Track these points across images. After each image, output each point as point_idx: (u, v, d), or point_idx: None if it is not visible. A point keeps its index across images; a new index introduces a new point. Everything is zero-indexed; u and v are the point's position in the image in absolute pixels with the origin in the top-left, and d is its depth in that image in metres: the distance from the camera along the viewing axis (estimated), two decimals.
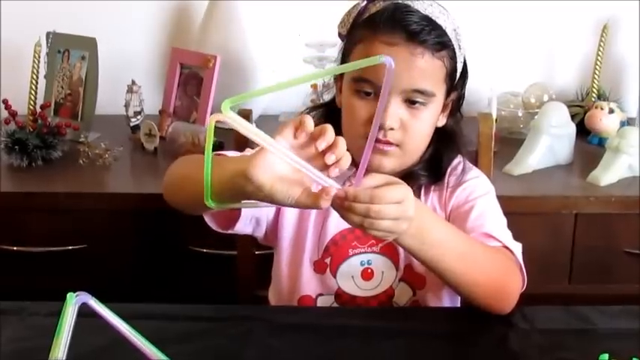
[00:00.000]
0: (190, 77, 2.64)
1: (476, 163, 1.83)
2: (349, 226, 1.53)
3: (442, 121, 1.65)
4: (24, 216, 2.30)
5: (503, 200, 1.70)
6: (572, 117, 2.59)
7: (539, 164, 2.43)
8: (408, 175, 1.58)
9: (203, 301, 1.55)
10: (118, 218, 2.29)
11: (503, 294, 1.50)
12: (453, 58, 1.58)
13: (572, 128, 2.51)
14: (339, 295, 1.66)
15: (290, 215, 1.67)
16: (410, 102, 1.54)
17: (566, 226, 2.30)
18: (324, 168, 1.21)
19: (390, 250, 1.64)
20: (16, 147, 2.40)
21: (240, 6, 2.64)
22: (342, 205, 1.24)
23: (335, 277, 1.66)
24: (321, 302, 1.67)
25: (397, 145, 1.56)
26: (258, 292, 1.88)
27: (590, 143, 2.65)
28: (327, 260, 1.66)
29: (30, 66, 2.63)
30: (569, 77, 2.92)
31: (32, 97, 2.61)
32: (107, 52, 2.63)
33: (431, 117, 1.59)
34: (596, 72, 2.78)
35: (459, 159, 1.70)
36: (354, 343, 1.42)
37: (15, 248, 2.29)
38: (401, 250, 1.63)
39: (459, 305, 1.69)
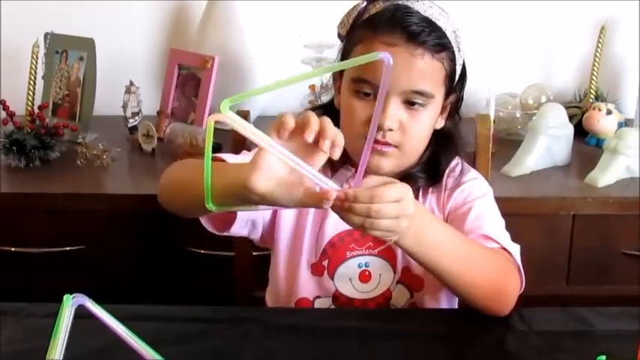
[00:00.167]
0: (188, 78, 2.64)
1: (474, 164, 1.83)
2: (347, 228, 1.53)
3: (440, 123, 1.65)
4: (22, 217, 2.30)
5: (501, 201, 1.70)
6: (570, 118, 2.59)
7: (536, 165, 2.43)
8: (406, 177, 1.58)
9: (201, 302, 1.55)
10: (116, 219, 2.29)
11: (502, 295, 1.50)
12: (452, 60, 1.58)
13: (569, 129, 2.51)
14: (337, 297, 1.66)
15: (287, 218, 1.67)
16: (409, 103, 1.54)
17: (564, 227, 2.30)
18: (322, 154, 1.21)
19: (387, 252, 1.64)
20: (14, 148, 2.40)
21: (238, 7, 2.64)
22: (342, 207, 1.24)
23: (333, 279, 1.66)
24: (319, 305, 1.67)
25: (396, 146, 1.56)
26: (255, 293, 1.88)
27: (587, 144, 2.65)
28: (325, 263, 1.66)
29: (28, 67, 2.63)
30: (567, 78, 2.92)
31: (30, 98, 2.61)
32: (105, 52, 2.62)
33: (430, 118, 1.59)
34: (594, 73, 2.78)
35: (456, 160, 1.70)
36: (351, 345, 1.42)
37: (13, 249, 2.29)
38: (398, 253, 1.63)
39: (456, 307, 1.69)
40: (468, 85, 1.68)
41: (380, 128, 1.52)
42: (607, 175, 2.34)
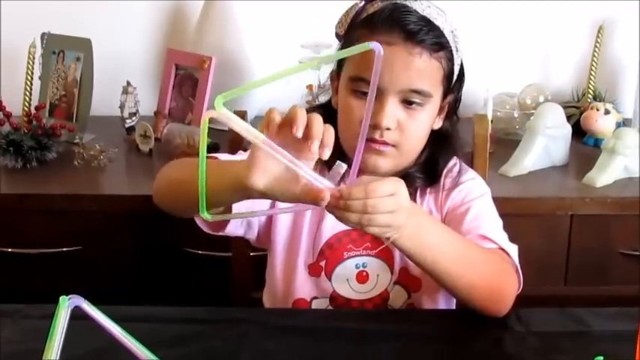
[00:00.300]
0: (186, 78, 2.64)
1: (471, 164, 1.83)
2: (344, 228, 1.54)
3: (438, 124, 1.65)
4: (19, 217, 2.30)
5: (498, 202, 1.70)
6: (568, 118, 2.59)
7: (534, 165, 2.43)
8: (404, 177, 1.57)
9: (198, 303, 1.54)
10: (113, 220, 2.29)
11: (499, 296, 1.50)
12: (450, 59, 1.58)
13: (567, 129, 2.51)
14: (334, 298, 1.66)
15: (284, 218, 1.67)
16: (407, 103, 1.54)
17: (562, 227, 2.30)
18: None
19: (385, 253, 1.64)
20: (11, 148, 2.39)
21: (235, 7, 2.64)
22: (338, 205, 1.24)
23: (330, 280, 1.65)
24: (316, 305, 1.67)
25: (393, 146, 1.56)
26: (253, 293, 1.88)
27: (585, 144, 2.65)
28: (322, 263, 1.65)
29: (25, 67, 2.63)
30: (565, 78, 2.92)
31: (27, 99, 2.61)
32: (102, 53, 2.62)
33: (427, 118, 1.59)
34: (592, 73, 2.78)
35: (454, 160, 1.70)
36: (349, 346, 1.42)
37: (10, 250, 2.29)
38: (396, 253, 1.63)
39: (454, 308, 1.69)
40: (465, 84, 1.68)
41: (377, 127, 1.52)
42: (605, 175, 2.34)
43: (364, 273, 1.65)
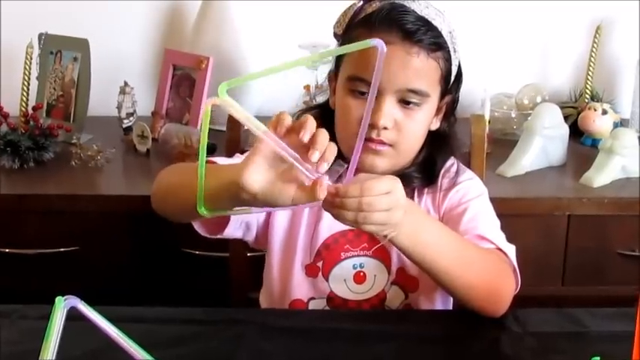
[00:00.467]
0: (183, 78, 2.64)
1: (469, 164, 1.83)
2: (341, 229, 1.54)
3: (436, 125, 1.65)
4: (16, 218, 2.29)
5: (496, 202, 1.70)
6: (566, 118, 2.60)
7: (532, 166, 2.43)
8: (401, 177, 1.57)
9: (196, 303, 1.54)
10: (111, 220, 2.29)
11: (497, 296, 1.50)
12: (448, 60, 1.58)
13: (565, 129, 2.51)
14: (331, 298, 1.66)
15: (281, 219, 1.67)
16: (404, 102, 1.54)
17: (560, 227, 2.30)
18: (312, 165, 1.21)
19: (382, 253, 1.64)
20: (8, 149, 2.39)
21: (232, 7, 2.64)
22: (334, 203, 1.24)
23: (327, 280, 1.65)
24: (313, 306, 1.67)
25: (391, 145, 1.56)
26: (251, 294, 1.87)
27: (583, 144, 2.65)
28: (319, 264, 1.65)
29: (22, 67, 2.63)
30: (563, 78, 2.92)
31: (24, 99, 2.61)
32: (99, 53, 2.62)
33: (425, 118, 1.59)
34: (590, 73, 2.78)
35: (452, 161, 1.70)
36: (346, 346, 1.41)
37: (7, 250, 2.29)
38: (393, 254, 1.63)
39: (451, 308, 1.69)
40: (463, 85, 1.68)
41: (375, 127, 1.53)
42: (602, 175, 2.34)
43: (361, 273, 1.65)
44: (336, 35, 1.67)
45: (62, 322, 1.00)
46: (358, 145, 1.20)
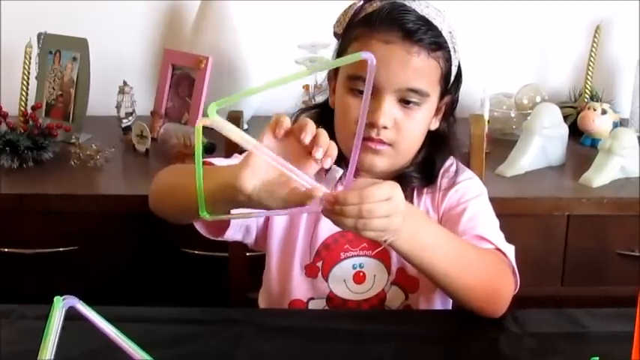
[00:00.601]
0: (182, 78, 2.64)
1: (468, 164, 1.82)
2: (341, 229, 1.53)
3: (435, 125, 1.65)
4: (15, 217, 2.29)
5: (495, 202, 1.70)
6: (565, 118, 2.59)
7: (531, 166, 2.43)
8: (400, 177, 1.58)
9: (195, 303, 1.54)
10: (110, 220, 2.28)
11: (496, 297, 1.50)
12: (448, 60, 1.58)
13: (564, 129, 2.51)
14: (331, 298, 1.66)
15: (280, 219, 1.67)
16: (404, 102, 1.54)
17: (559, 227, 2.30)
18: (313, 163, 1.23)
19: (382, 253, 1.63)
20: (7, 148, 2.39)
21: (231, 7, 2.63)
22: (333, 210, 1.24)
23: (327, 280, 1.65)
24: (313, 306, 1.66)
25: (390, 145, 1.56)
26: (250, 294, 1.87)
27: (582, 144, 2.65)
28: (319, 264, 1.65)
29: (21, 67, 2.62)
30: (562, 78, 2.92)
31: (23, 98, 2.61)
32: (99, 53, 2.62)
33: (424, 118, 1.59)
34: (589, 73, 2.78)
35: (451, 160, 1.70)
36: (345, 347, 1.41)
37: (6, 250, 2.28)
38: (393, 254, 1.62)
39: (450, 309, 1.69)
40: (462, 85, 1.68)
41: (374, 126, 1.53)
42: (602, 175, 2.34)
43: (361, 273, 1.65)
44: (336, 34, 1.67)
45: (61, 322, 1.00)
46: (354, 153, 1.20)
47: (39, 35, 2.65)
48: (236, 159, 1.60)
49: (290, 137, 1.23)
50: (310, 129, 1.21)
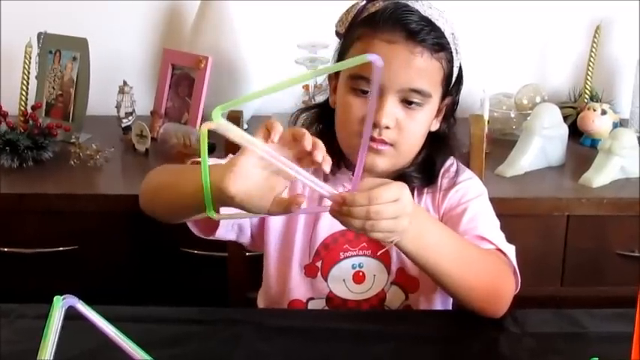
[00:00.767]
0: (182, 78, 2.64)
1: (468, 164, 1.83)
2: (340, 229, 1.54)
3: (435, 126, 1.65)
4: (15, 217, 2.29)
5: (495, 202, 1.70)
6: (565, 118, 2.59)
7: (531, 166, 2.43)
8: (401, 177, 1.58)
9: (195, 303, 1.54)
10: (110, 219, 2.28)
11: (497, 297, 1.50)
12: (450, 61, 1.58)
13: (564, 130, 2.51)
14: (331, 298, 1.66)
15: (277, 219, 1.67)
16: (406, 102, 1.54)
17: (559, 228, 2.30)
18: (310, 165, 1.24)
19: (382, 253, 1.63)
20: (7, 148, 2.39)
21: (231, 7, 2.63)
22: (341, 211, 1.25)
23: (326, 280, 1.65)
24: (312, 306, 1.66)
25: (391, 145, 1.56)
26: (249, 294, 1.87)
27: (582, 145, 2.65)
28: (318, 264, 1.65)
29: (21, 67, 2.62)
30: (562, 78, 2.92)
31: (23, 98, 2.61)
32: (98, 52, 2.62)
33: (426, 119, 1.59)
34: (589, 73, 2.78)
35: (451, 160, 1.70)
36: (344, 347, 1.41)
37: (6, 249, 2.28)
38: (393, 254, 1.63)
39: (450, 309, 1.69)
40: (463, 85, 1.68)
41: (376, 126, 1.52)
42: (601, 175, 2.34)
43: (360, 273, 1.65)
44: (338, 34, 1.67)
45: (60, 322, 1.00)
46: (361, 154, 1.20)
47: (39, 35, 2.65)
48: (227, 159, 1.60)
49: (289, 143, 1.24)
50: (309, 136, 1.22)
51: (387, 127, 1.53)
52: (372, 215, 1.24)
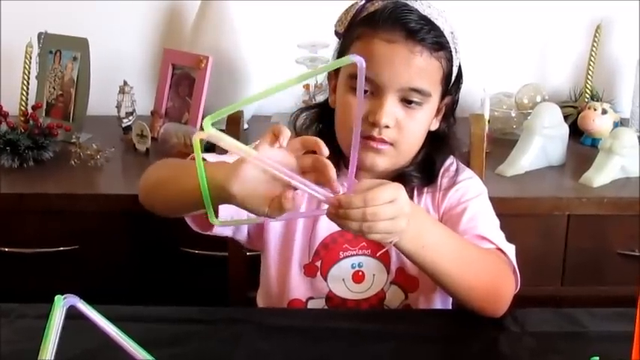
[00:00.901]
0: (182, 78, 2.64)
1: (468, 164, 1.83)
2: (340, 228, 1.53)
3: (435, 125, 1.65)
4: (15, 217, 2.29)
5: (495, 201, 1.70)
6: (565, 118, 2.59)
7: (531, 165, 2.43)
8: (400, 177, 1.58)
9: (195, 303, 1.54)
10: (110, 219, 2.29)
11: (497, 297, 1.50)
12: (449, 60, 1.58)
13: (565, 129, 2.51)
14: (330, 298, 1.66)
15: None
16: (406, 101, 1.54)
17: (559, 227, 2.30)
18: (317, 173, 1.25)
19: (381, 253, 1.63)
20: (8, 148, 2.39)
21: (231, 7, 2.63)
22: (338, 214, 1.25)
23: (326, 280, 1.65)
24: (312, 306, 1.66)
25: (391, 144, 1.56)
26: (250, 293, 1.87)
27: (583, 144, 2.65)
28: (318, 263, 1.65)
29: (21, 67, 2.63)
30: (563, 78, 2.92)
31: (24, 98, 2.62)
32: (99, 52, 2.62)
33: (426, 118, 1.59)
34: (590, 73, 2.78)
35: (451, 160, 1.70)
36: (344, 346, 1.42)
37: (7, 249, 2.29)
38: (393, 253, 1.63)
39: (450, 308, 1.69)
40: (462, 84, 1.68)
41: (376, 125, 1.53)
42: (602, 175, 2.34)
43: (360, 273, 1.65)
44: (337, 34, 1.67)
45: (61, 321, 1.00)
46: (353, 155, 1.20)
47: (39, 35, 2.66)
48: (229, 157, 1.60)
49: (289, 148, 1.25)
50: (322, 143, 1.25)
51: (387, 127, 1.53)
52: (369, 217, 1.24)
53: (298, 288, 1.66)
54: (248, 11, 2.68)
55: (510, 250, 1.56)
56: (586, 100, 2.76)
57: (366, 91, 1.53)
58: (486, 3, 2.82)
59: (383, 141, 1.55)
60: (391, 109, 1.53)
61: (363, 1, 1.61)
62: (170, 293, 2.28)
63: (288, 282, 1.66)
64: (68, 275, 2.29)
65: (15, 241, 2.29)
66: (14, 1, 2.77)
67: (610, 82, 2.89)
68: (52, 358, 1.00)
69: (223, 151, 1.26)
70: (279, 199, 1.21)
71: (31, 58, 2.63)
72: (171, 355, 1.31)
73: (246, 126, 2.59)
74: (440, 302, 1.67)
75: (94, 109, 2.65)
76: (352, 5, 1.64)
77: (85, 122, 2.62)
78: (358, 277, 1.65)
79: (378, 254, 1.63)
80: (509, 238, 1.59)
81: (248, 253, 1.93)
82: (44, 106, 2.66)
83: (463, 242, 1.49)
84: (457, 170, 1.69)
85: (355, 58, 1.10)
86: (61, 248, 2.28)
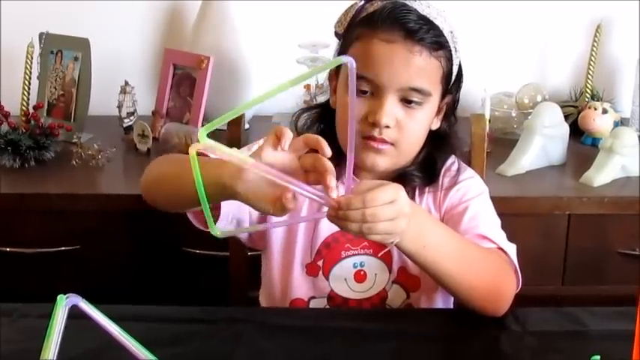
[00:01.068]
0: (183, 78, 2.64)
1: (469, 163, 1.83)
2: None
3: (436, 125, 1.65)
4: (17, 217, 2.29)
5: (496, 201, 1.70)
6: (566, 117, 2.59)
7: (532, 165, 2.43)
8: (401, 177, 1.58)
9: (196, 302, 1.54)
10: (111, 219, 2.29)
11: (498, 296, 1.50)
12: (449, 59, 1.58)
13: (565, 129, 2.51)
14: (332, 297, 1.66)
15: (278, 218, 1.66)
16: (406, 101, 1.54)
17: (560, 227, 2.30)
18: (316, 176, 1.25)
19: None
20: (9, 148, 2.39)
21: (232, 7, 2.64)
22: (337, 216, 1.25)
23: (328, 279, 1.65)
24: (314, 305, 1.67)
25: (392, 144, 1.56)
26: (251, 293, 1.88)
27: (583, 144, 2.65)
28: (320, 263, 1.65)
29: (23, 67, 2.63)
30: (563, 78, 2.92)
31: (25, 98, 2.62)
32: (100, 52, 2.62)
33: (426, 118, 1.59)
34: (590, 72, 2.78)
35: (452, 159, 1.70)
36: (345, 345, 1.42)
37: (8, 249, 2.29)
38: (394, 253, 1.63)
39: (451, 307, 1.69)
40: (463, 84, 1.68)
41: (377, 125, 1.53)
42: (602, 174, 2.34)
43: (362, 272, 1.65)
44: (337, 34, 1.67)
45: (64, 320, 1.00)
46: (349, 157, 1.21)
47: (40, 35, 2.66)
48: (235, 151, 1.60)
49: (292, 149, 1.27)
50: (325, 142, 1.26)
51: (387, 127, 1.53)
52: (369, 218, 1.24)
53: (300, 288, 1.66)
54: (249, 11, 2.68)
55: (511, 249, 1.56)
56: (586, 99, 2.76)
57: (365, 92, 1.53)
58: (486, 3, 2.82)
59: (383, 141, 1.55)
60: (391, 109, 1.53)
61: (363, 2, 1.61)
62: (171, 293, 2.29)
63: (290, 282, 1.67)
64: (69, 275, 2.29)
65: (16, 241, 2.29)
66: (15, 2, 2.77)
67: (610, 82, 2.89)
68: (55, 357, 1.00)
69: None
70: (277, 198, 1.22)
71: (32, 58, 2.63)
72: (172, 354, 1.31)
73: (247, 126, 2.59)
74: (441, 302, 1.67)
75: (95, 109, 2.65)
76: (351, 6, 1.64)
77: (87, 122, 2.62)
78: (360, 277, 1.65)
79: (379, 254, 1.63)
80: (510, 238, 1.59)
81: (249, 253, 1.94)
82: (45, 106, 2.66)
83: (464, 242, 1.49)
84: (458, 170, 1.69)
85: (345, 59, 1.11)
86: (63, 248, 2.28)
